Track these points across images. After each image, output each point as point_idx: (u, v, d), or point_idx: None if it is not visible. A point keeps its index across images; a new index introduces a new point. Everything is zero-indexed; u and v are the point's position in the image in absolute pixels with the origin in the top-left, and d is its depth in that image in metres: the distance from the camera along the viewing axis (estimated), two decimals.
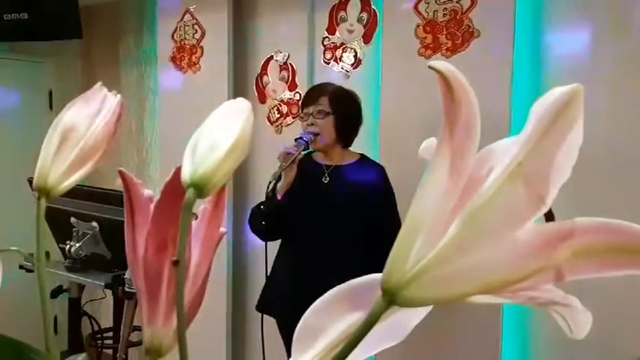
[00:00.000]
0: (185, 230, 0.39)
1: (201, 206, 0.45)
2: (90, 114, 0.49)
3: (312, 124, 2.57)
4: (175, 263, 0.39)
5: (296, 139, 2.56)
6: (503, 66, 2.71)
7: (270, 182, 2.47)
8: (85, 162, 0.49)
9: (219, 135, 0.40)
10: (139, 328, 3.85)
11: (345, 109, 2.61)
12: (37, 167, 0.48)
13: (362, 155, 2.70)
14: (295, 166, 2.50)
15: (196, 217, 0.44)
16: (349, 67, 3.32)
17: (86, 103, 0.49)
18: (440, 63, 0.37)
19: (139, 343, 3.74)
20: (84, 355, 0.45)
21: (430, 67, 0.37)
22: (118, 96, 0.51)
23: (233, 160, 0.40)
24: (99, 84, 0.51)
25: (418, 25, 3.00)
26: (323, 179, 2.60)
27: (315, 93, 2.66)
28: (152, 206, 0.44)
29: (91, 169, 0.49)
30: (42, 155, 0.48)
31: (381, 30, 3.19)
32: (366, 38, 3.28)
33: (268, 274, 2.60)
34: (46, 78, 4.69)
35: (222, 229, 0.46)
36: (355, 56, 3.31)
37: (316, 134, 2.55)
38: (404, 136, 2.85)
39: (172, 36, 3.90)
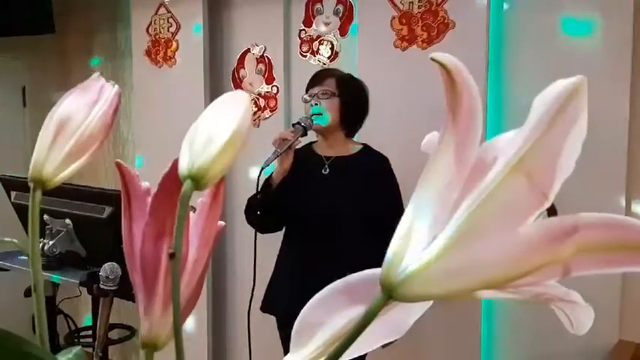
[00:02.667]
0: (182, 223, 0.38)
1: (199, 199, 0.44)
2: (87, 104, 0.48)
3: (316, 104, 2.44)
4: (171, 256, 0.39)
5: (293, 124, 2.44)
6: (479, 57, 2.72)
7: (262, 169, 2.32)
8: (82, 153, 0.48)
9: (216, 127, 0.39)
10: (118, 326, 3.82)
11: (351, 93, 2.50)
12: (33, 158, 0.47)
13: (365, 145, 2.58)
14: (292, 152, 2.38)
15: (194, 210, 0.44)
16: (326, 60, 3.31)
17: (83, 93, 0.48)
18: (441, 55, 0.37)
19: (119, 341, 3.71)
20: (78, 348, 0.45)
21: (432, 59, 0.37)
22: (116, 86, 0.50)
23: (231, 153, 0.39)
24: (96, 74, 0.50)
25: (394, 17, 3.01)
26: (323, 171, 2.49)
27: (321, 74, 2.56)
28: (149, 199, 0.43)
29: (88, 161, 0.48)
30: (37, 145, 0.47)
31: (357, 22, 3.19)
32: (343, 30, 3.27)
33: (257, 271, 2.47)
34: (19, 74, 4.61)
35: (221, 223, 0.46)
36: (332, 49, 3.30)
37: (319, 114, 2.43)
38: (380, 128, 2.85)
39: (147, 30, 3.85)
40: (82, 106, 0.48)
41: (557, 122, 0.35)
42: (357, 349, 0.41)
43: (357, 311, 0.42)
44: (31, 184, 0.46)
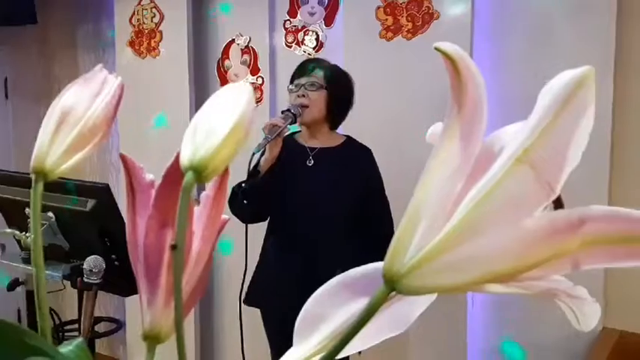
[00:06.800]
0: (183, 215, 0.38)
1: (203, 192, 0.44)
2: (90, 95, 0.48)
3: (303, 96, 2.44)
4: (173, 247, 0.38)
5: (283, 111, 2.44)
6: (463, 47, 2.71)
7: (253, 154, 2.31)
8: (85, 144, 0.47)
9: (219, 118, 0.39)
10: (105, 319, 3.80)
11: (339, 87, 2.49)
12: (35, 149, 0.47)
13: (348, 137, 2.59)
14: (281, 139, 2.38)
15: (199, 203, 0.43)
16: (311, 50, 3.30)
17: (86, 84, 0.48)
18: (446, 44, 0.37)
19: (106, 334, 3.69)
20: (79, 339, 0.44)
21: (436, 49, 0.37)
22: (119, 78, 0.49)
23: (233, 144, 0.39)
24: (99, 66, 0.49)
25: (379, 7, 3.01)
26: (307, 162, 2.49)
27: (309, 65, 2.54)
28: (153, 191, 0.43)
29: (91, 152, 0.48)
30: (40, 136, 0.47)
31: (342, 12, 3.19)
32: (328, 21, 3.27)
33: (248, 263, 2.49)
34: (1, 65, 4.55)
35: (225, 217, 0.45)
36: (317, 39, 3.29)
37: (304, 106, 2.43)
38: (365, 118, 2.85)
39: (130, 20, 3.82)
40: (85, 98, 0.47)
41: (564, 113, 0.34)
42: (359, 343, 0.41)
43: (361, 305, 0.42)
44: (33, 176, 0.46)
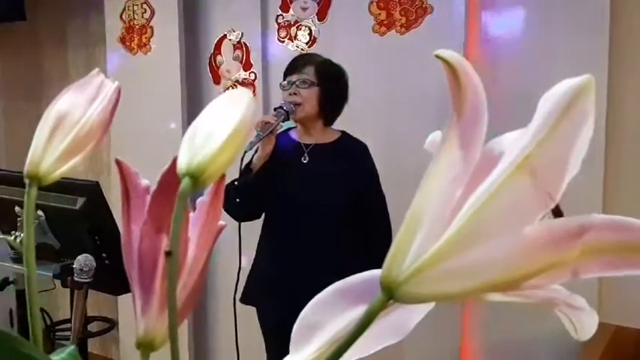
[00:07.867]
0: (179, 221, 0.38)
1: (199, 198, 0.44)
2: (85, 100, 0.47)
3: (295, 94, 2.42)
4: (168, 254, 0.38)
5: (275, 109, 2.42)
6: (457, 42, 2.73)
7: (245, 152, 2.28)
8: (80, 150, 0.47)
9: (217, 124, 0.39)
10: (98, 319, 3.78)
11: (331, 83, 2.47)
12: (29, 153, 0.46)
13: (343, 133, 2.56)
14: (274, 137, 2.36)
15: (194, 209, 0.43)
16: (304, 46, 3.29)
17: (82, 88, 0.48)
18: (446, 52, 0.36)
19: (99, 334, 3.68)
20: (72, 347, 0.44)
21: (437, 57, 0.36)
22: (116, 82, 0.49)
23: (231, 150, 0.39)
24: (96, 70, 0.49)
25: (372, 2, 3.01)
26: (302, 159, 2.47)
27: (300, 62, 2.51)
28: (148, 197, 0.43)
29: (86, 157, 0.48)
30: (34, 141, 0.47)
31: (335, 7, 3.18)
32: (321, 15, 3.25)
33: (242, 262, 2.47)
34: None
35: (222, 223, 0.45)
36: (310, 34, 3.28)
37: (297, 104, 2.40)
38: (358, 114, 2.83)
39: (121, 16, 3.79)
40: (81, 102, 0.47)
41: (565, 121, 0.34)
42: (356, 351, 0.40)
43: (358, 312, 0.42)
44: (26, 181, 0.45)
